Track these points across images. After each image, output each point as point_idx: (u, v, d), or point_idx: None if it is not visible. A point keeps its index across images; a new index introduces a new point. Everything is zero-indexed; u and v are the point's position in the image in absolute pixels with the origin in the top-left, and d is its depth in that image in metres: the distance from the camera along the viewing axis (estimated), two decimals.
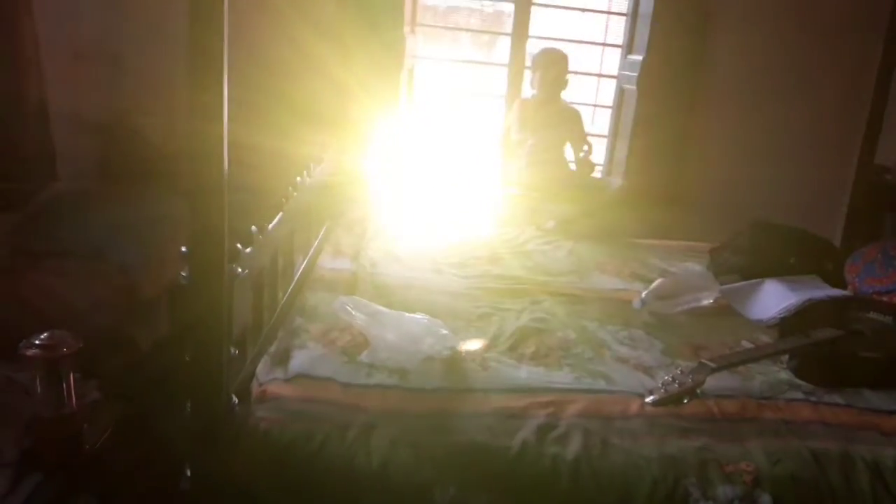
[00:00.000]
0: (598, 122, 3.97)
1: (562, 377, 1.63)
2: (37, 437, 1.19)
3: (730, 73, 3.32)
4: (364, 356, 1.59)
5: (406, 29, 3.26)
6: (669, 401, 1.51)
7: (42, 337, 1.19)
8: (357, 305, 1.78)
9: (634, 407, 1.51)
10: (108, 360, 1.42)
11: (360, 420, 1.36)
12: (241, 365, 1.43)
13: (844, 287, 2.28)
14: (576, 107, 3.41)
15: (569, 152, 3.32)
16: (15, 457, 1.19)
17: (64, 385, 1.20)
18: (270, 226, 1.61)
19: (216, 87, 1.09)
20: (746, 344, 1.89)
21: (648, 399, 1.53)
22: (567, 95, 3.35)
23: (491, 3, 5.83)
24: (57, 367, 1.19)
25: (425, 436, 1.35)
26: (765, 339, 1.94)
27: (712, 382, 1.59)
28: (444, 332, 1.69)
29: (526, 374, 1.63)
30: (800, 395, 1.63)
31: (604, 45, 4.11)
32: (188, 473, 1.22)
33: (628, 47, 3.49)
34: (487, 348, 1.72)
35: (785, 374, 1.72)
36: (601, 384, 1.62)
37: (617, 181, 3.45)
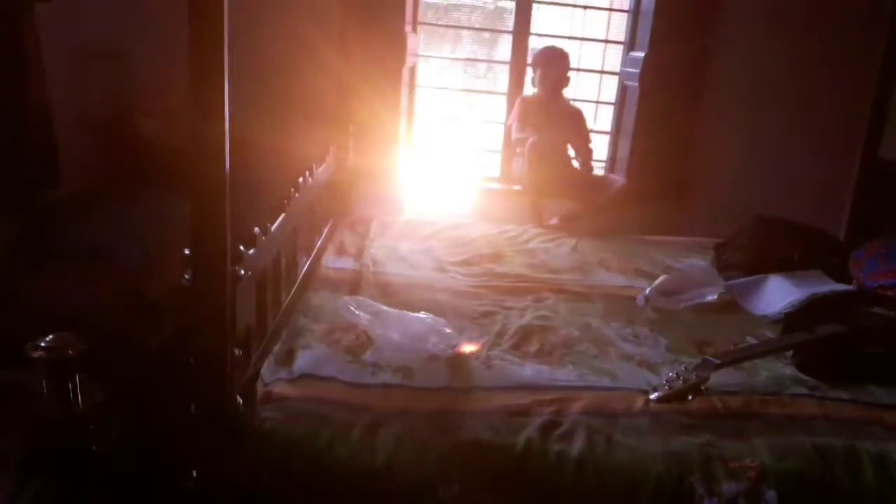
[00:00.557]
0: (600, 119, 3.96)
1: (566, 375, 1.63)
2: (44, 440, 1.20)
3: (733, 68, 3.31)
4: (368, 356, 1.60)
5: (407, 28, 3.26)
6: (674, 397, 1.51)
7: (47, 339, 1.19)
8: (361, 305, 1.78)
9: (639, 404, 1.51)
10: (113, 362, 1.43)
11: (365, 419, 1.37)
12: (246, 366, 1.44)
13: (849, 282, 2.28)
14: (578, 105, 3.40)
15: (571, 150, 3.32)
16: (22, 459, 1.19)
17: (70, 387, 1.20)
18: (273, 227, 1.62)
19: (217, 86, 1.09)
20: (751, 340, 1.89)
21: (653, 396, 1.53)
22: (569, 92, 3.35)
23: (492, 0, 5.82)
24: (63, 369, 1.19)
25: (430, 434, 1.35)
26: (769, 334, 1.94)
27: (717, 379, 1.59)
28: (448, 330, 1.69)
29: (530, 371, 1.63)
30: (804, 391, 1.63)
31: (606, 41, 4.09)
32: (194, 474, 1.23)
33: (630, 44, 3.48)
34: (485, 347, 1.71)
35: (789, 370, 1.72)
36: (605, 381, 1.62)
37: (619, 178, 3.44)
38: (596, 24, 4.49)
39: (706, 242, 2.74)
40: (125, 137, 2.65)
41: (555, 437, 1.37)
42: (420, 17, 3.53)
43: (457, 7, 5.35)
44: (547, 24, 3.79)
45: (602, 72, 4.06)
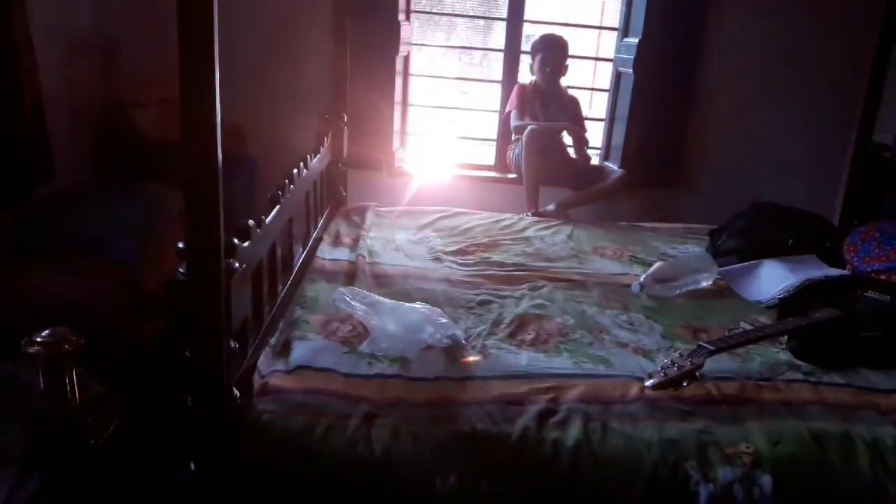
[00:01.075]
0: (595, 106, 3.95)
1: (561, 363, 1.64)
2: (41, 434, 1.20)
3: (727, 55, 3.31)
4: (364, 346, 1.60)
5: (401, 16, 3.24)
6: (669, 384, 1.52)
7: (44, 334, 1.19)
8: (356, 296, 1.79)
9: (634, 391, 1.52)
10: (109, 355, 1.43)
11: (362, 410, 1.37)
12: (242, 358, 1.44)
13: (843, 266, 2.28)
14: (574, 93, 3.40)
15: (567, 138, 3.31)
16: (20, 454, 1.19)
17: (67, 381, 1.20)
18: (268, 219, 1.61)
19: (207, 77, 1.08)
20: (745, 325, 1.89)
21: (648, 383, 1.53)
22: (564, 79, 3.34)
23: None
24: (60, 363, 1.19)
25: (426, 424, 1.36)
26: (764, 320, 1.94)
27: (711, 365, 1.59)
28: (444, 320, 1.69)
29: (526, 360, 1.63)
30: (799, 376, 1.63)
31: (600, 28, 4.09)
32: (192, 467, 1.23)
33: (624, 30, 3.47)
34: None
35: (784, 355, 1.73)
36: (601, 369, 1.62)
37: (615, 167, 3.44)
38: (590, 10, 4.48)
39: (701, 229, 2.74)
40: (118, 130, 2.64)
41: (550, 426, 1.38)
42: (413, 6, 3.51)
43: None
44: (541, 11, 3.78)
45: (596, 58, 4.05)
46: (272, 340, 1.60)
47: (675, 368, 1.55)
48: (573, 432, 1.36)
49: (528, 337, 1.76)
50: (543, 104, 3.26)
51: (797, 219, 2.55)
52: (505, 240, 2.53)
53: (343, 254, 2.27)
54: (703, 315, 1.97)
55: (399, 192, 3.23)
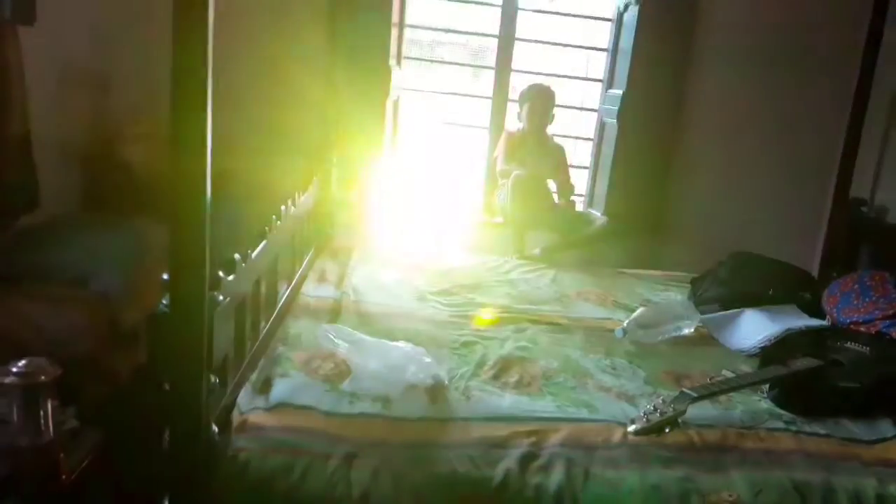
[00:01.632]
0: (579, 155, 4.03)
1: (545, 406, 1.63)
2: (14, 466, 1.17)
3: (709, 107, 3.40)
4: (346, 385, 1.58)
5: (392, 62, 3.31)
6: (651, 430, 1.52)
7: (20, 364, 1.17)
8: (340, 333, 1.77)
9: (617, 436, 1.51)
10: (86, 389, 1.40)
11: (342, 450, 1.35)
12: (222, 394, 1.42)
13: (822, 317, 2.31)
14: (560, 141, 3.46)
15: (552, 185, 3.37)
16: None
17: (42, 413, 1.18)
18: (254, 253, 1.61)
19: (198, 113, 1.10)
20: (727, 373, 1.90)
21: (631, 428, 1.53)
22: (550, 127, 3.41)
23: (476, 37, 5.93)
24: (35, 395, 1.17)
25: (407, 466, 1.34)
26: (745, 368, 1.96)
27: (694, 412, 1.60)
28: (427, 359, 1.68)
29: (509, 402, 1.63)
30: (781, 425, 1.64)
31: (585, 79, 4.19)
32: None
33: (609, 82, 3.56)
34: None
35: (766, 404, 1.74)
36: (584, 413, 1.62)
37: (599, 214, 3.49)
38: (576, 61, 4.60)
39: (683, 277, 2.77)
40: (106, 163, 2.64)
41: (533, 470, 1.36)
42: (405, 53, 3.58)
43: (441, 44, 5.45)
44: (528, 61, 3.87)
45: (581, 108, 4.14)
46: (253, 377, 1.58)
47: (658, 414, 1.55)
48: (556, 477, 1.35)
49: (512, 379, 1.75)
50: (530, 151, 3.31)
51: (777, 269, 2.59)
52: (490, 281, 2.54)
53: (328, 291, 2.26)
54: (685, 362, 1.97)
55: (386, 232, 3.23)
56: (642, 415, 1.56)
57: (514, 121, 3.43)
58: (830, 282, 2.46)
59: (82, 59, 2.68)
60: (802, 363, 1.84)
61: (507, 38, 3.50)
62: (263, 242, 1.72)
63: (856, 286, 2.30)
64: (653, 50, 3.28)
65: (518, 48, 3.54)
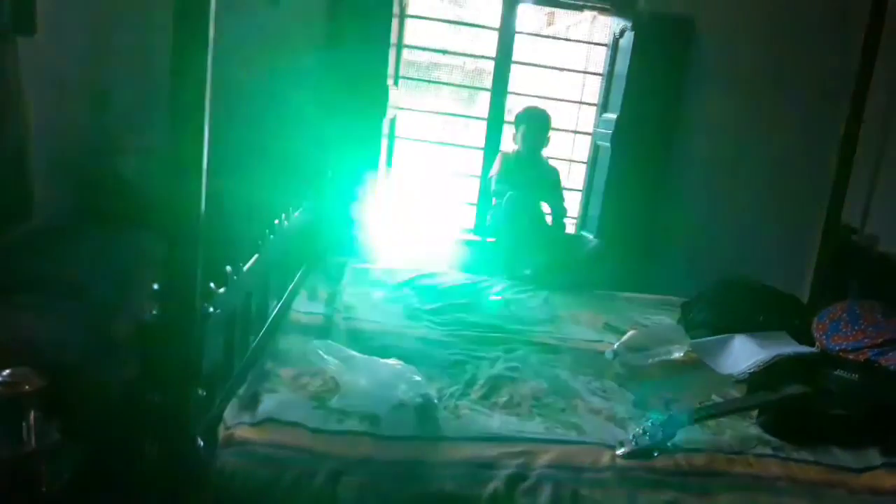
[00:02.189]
0: (573, 177, 4.05)
1: (534, 427, 1.62)
2: None
3: (702, 133, 3.43)
4: (335, 401, 1.57)
5: (389, 81, 3.33)
6: (640, 453, 1.51)
7: (4, 373, 1.16)
8: (330, 350, 1.76)
9: (605, 459, 1.51)
10: (72, 400, 1.39)
11: (328, 467, 1.34)
12: (209, 407, 1.41)
13: (811, 344, 2.32)
14: (554, 163, 3.48)
15: (546, 207, 3.38)
16: None
17: (24, 424, 1.17)
18: (246, 267, 1.61)
19: (196, 126, 1.10)
20: (716, 398, 1.90)
21: (619, 451, 1.52)
22: (545, 150, 3.43)
23: (473, 59, 5.98)
24: (19, 404, 1.16)
25: (394, 484, 1.33)
26: (734, 393, 1.96)
27: (682, 436, 1.59)
28: (417, 378, 1.67)
29: (498, 423, 1.62)
30: (769, 451, 1.63)
31: (580, 103, 4.23)
32: None
33: (603, 106, 3.59)
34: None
35: (754, 430, 1.74)
36: (573, 435, 1.61)
37: (591, 236, 3.50)
38: (571, 85, 4.65)
39: (674, 300, 2.78)
40: (101, 174, 2.64)
41: (521, 491, 1.36)
42: (402, 73, 3.61)
43: (437, 66, 5.51)
44: (524, 84, 3.91)
45: (576, 131, 4.18)
46: (240, 391, 1.57)
47: (647, 438, 1.55)
48: (543, 498, 1.34)
49: (502, 399, 1.75)
50: (524, 172, 3.32)
51: (768, 296, 2.59)
52: (481, 301, 2.53)
53: (318, 308, 2.26)
54: (674, 386, 1.97)
55: (379, 250, 3.23)
56: (631, 438, 1.56)
57: (510, 142, 3.45)
58: (820, 309, 2.47)
59: (81, 71, 2.69)
60: (792, 390, 1.84)
61: (504, 61, 3.53)
62: (255, 256, 1.71)
63: (845, 314, 2.31)
64: (647, 75, 3.31)
65: (514, 70, 3.57)
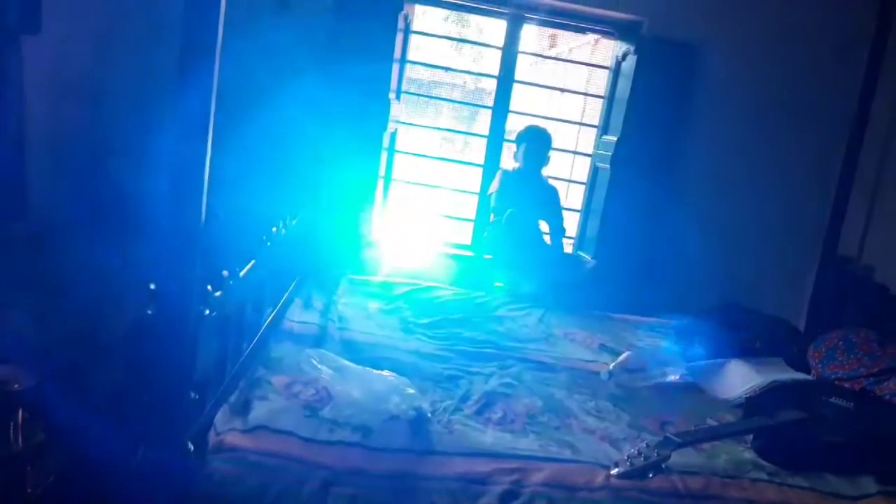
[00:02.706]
0: (571, 198, 4.06)
1: (528, 444, 1.61)
2: None
3: (701, 158, 3.44)
4: (327, 411, 1.55)
5: (391, 95, 3.34)
6: (634, 474, 1.50)
7: None
8: (324, 359, 1.75)
9: (599, 478, 1.49)
10: (58, 400, 1.36)
11: (318, 477, 1.32)
12: (200, 412, 1.38)
13: (808, 372, 2.31)
14: (554, 183, 3.49)
15: (544, 226, 3.38)
16: None
17: (11, 424, 1.14)
18: (242, 272, 1.59)
19: (201, 129, 1.10)
20: (711, 422, 1.89)
21: (614, 471, 1.51)
22: (545, 169, 3.43)
23: (474, 79, 6.03)
24: (6, 403, 1.13)
25: (384, 497, 1.31)
26: (729, 417, 1.94)
27: (677, 458, 1.58)
28: (411, 391, 1.66)
29: (491, 439, 1.60)
30: (764, 476, 1.62)
31: (580, 124, 4.25)
32: None
33: (604, 128, 3.61)
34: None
35: (749, 454, 1.72)
36: (567, 454, 1.59)
37: (589, 257, 3.50)
38: (572, 107, 4.68)
39: (670, 323, 2.77)
40: (98, 176, 2.62)
41: None
42: (404, 90, 3.62)
43: (439, 84, 5.55)
44: (525, 104, 3.93)
45: (575, 152, 4.19)
46: (232, 398, 1.55)
47: (642, 459, 1.53)
48: None
49: (496, 415, 1.73)
50: (524, 190, 3.33)
51: (765, 322, 2.60)
52: (477, 317, 2.52)
53: (313, 317, 2.24)
54: (669, 408, 1.96)
55: (376, 262, 3.23)
56: (626, 458, 1.54)
57: (510, 160, 3.46)
58: (816, 337, 2.47)
59: (84, 72, 2.69)
60: (787, 415, 1.83)
61: (506, 80, 3.55)
62: (252, 262, 1.70)
63: (841, 343, 2.31)
64: (649, 99, 3.33)
65: (516, 90, 3.59)
